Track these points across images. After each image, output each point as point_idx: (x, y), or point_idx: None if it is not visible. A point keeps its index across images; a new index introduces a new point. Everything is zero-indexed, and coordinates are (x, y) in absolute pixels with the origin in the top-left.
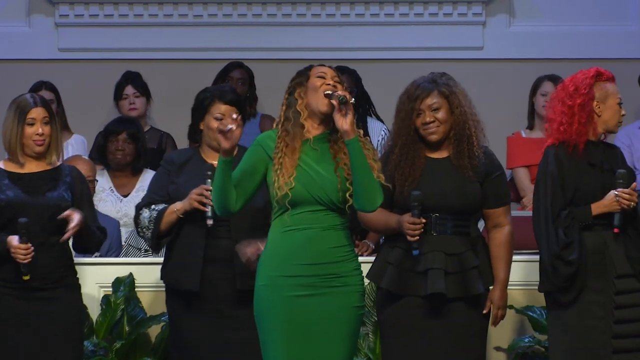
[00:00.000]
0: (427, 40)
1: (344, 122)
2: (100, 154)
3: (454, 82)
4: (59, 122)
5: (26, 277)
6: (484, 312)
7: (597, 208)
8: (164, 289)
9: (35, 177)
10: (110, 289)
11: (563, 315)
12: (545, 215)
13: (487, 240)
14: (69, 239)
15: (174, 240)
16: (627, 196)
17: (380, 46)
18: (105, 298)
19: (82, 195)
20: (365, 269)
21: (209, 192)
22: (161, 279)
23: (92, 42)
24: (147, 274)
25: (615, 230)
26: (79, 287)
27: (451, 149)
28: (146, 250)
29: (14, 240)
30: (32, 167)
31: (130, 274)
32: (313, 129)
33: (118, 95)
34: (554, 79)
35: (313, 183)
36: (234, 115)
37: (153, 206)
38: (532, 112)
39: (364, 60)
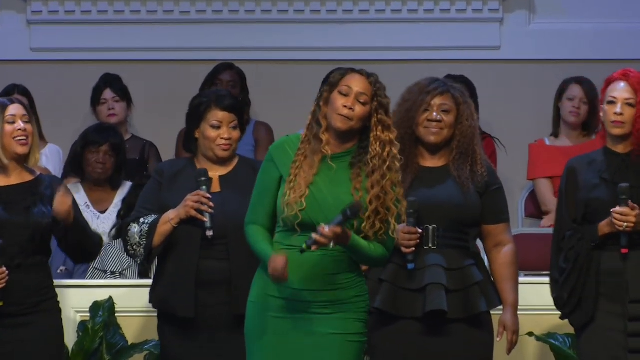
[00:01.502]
0: (438, 39)
1: (338, 240)
2: (76, 165)
3: (468, 95)
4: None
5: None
6: (497, 339)
7: (603, 227)
8: (146, 314)
9: (15, 191)
10: (88, 314)
11: (579, 341)
12: None
13: (488, 261)
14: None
15: (164, 259)
16: (618, 216)
17: (386, 46)
18: (82, 324)
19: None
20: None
21: (208, 199)
22: (150, 302)
23: (67, 41)
24: (128, 297)
25: (623, 250)
26: (59, 310)
27: (450, 158)
28: (113, 272)
29: None
30: (9, 179)
31: (110, 297)
32: (332, 145)
33: (96, 100)
34: (582, 82)
35: (317, 208)
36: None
37: (142, 219)
38: (557, 118)
39: (368, 61)
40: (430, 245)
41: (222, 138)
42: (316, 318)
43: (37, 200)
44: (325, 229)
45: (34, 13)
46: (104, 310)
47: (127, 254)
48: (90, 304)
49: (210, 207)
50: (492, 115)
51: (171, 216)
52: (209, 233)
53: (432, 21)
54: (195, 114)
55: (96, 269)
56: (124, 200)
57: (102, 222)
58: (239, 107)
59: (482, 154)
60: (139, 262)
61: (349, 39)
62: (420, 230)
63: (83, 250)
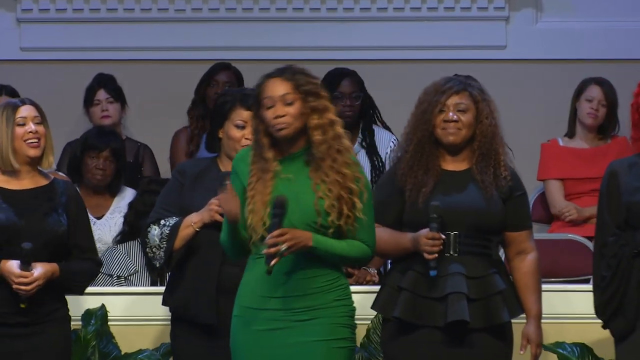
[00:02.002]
0: (442, 38)
1: (293, 246)
2: (74, 169)
3: (488, 93)
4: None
5: (23, 305)
6: (521, 351)
7: None
8: (141, 322)
9: (30, 196)
10: (80, 323)
11: (618, 351)
12: None
13: (510, 269)
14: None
15: (184, 264)
16: None
17: (389, 45)
18: (74, 333)
19: (78, 218)
20: (366, 299)
21: None
22: (164, 305)
23: (59, 40)
24: (122, 305)
25: None
26: (68, 319)
27: (473, 161)
28: (119, 277)
29: (13, 266)
30: (24, 182)
31: (103, 305)
32: (284, 151)
33: (89, 100)
34: (602, 83)
35: (293, 209)
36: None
37: (163, 221)
38: (573, 118)
39: (370, 61)
40: (451, 252)
41: (246, 138)
42: (297, 326)
43: (53, 207)
44: (267, 239)
45: (24, 11)
46: (96, 319)
47: (146, 257)
48: (82, 312)
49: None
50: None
51: (194, 220)
52: None
53: (435, 19)
54: (220, 113)
55: (102, 272)
56: (131, 205)
57: (98, 229)
58: None
59: (506, 155)
60: (157, 265)
61: (349, 38)
62: (443, 236)
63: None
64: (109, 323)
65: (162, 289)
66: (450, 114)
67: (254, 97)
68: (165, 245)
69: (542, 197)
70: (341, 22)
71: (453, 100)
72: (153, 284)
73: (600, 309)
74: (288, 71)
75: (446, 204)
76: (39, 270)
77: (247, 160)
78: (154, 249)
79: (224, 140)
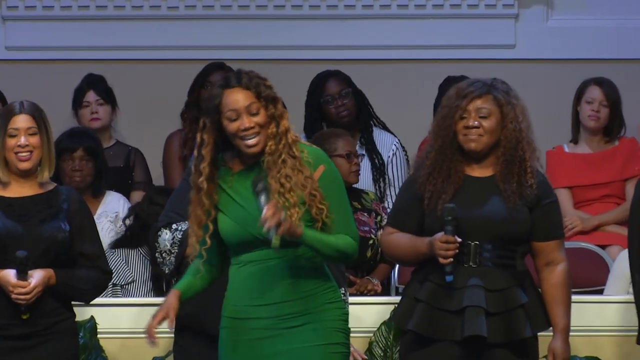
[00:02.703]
0: (448, 37)
1: (283, 231)
2: (53, 176)
3: (516, 95)
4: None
5: (25, 316)
6: None
7: None
8: (131, 335)
9: (28, 203)
10: None
11: None
12: None
13: (539, 281)
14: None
15: None
16: None
17: (392, 44)
18: None
19: (82, 226)
20: (368, 310)
21: None
22: None
23: (46, 39)
24: (112, 317)
25: None
26: (75, 332)
27: (497, 168)
28: (114, 285)
29: (9, 275)
30: (22, 190)
31: (92, 317)
32: (239, 163)
33: (77, 102)
34: (602, 83)
35: (247, 218)
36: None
37: (174, 226)
38: (576, 123)
39: (372, 61)
40: (471, 263)
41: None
42: (288, 333)
43: (53, 214)
44: (263, 214)
45: (10, 8)
46: (85, 331)
47: (155, 262)
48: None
49: None
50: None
51: None
52: None
53: (441, 17)
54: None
55: None
56: (133, 209)
57: None
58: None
59: (534, 162)
60: (167, 271)
61: (351, 37)
62: (459, 240)
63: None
64: (98, 336)
65: (158, 300)
66: (471, 120)
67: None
68: (176, 251)
69: None
70: (342, 20)
71: (475, 105)
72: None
73: None
74: (245, 77)
75: (466, 211)
76: (36, 277)
77: None
78: (164, 254)
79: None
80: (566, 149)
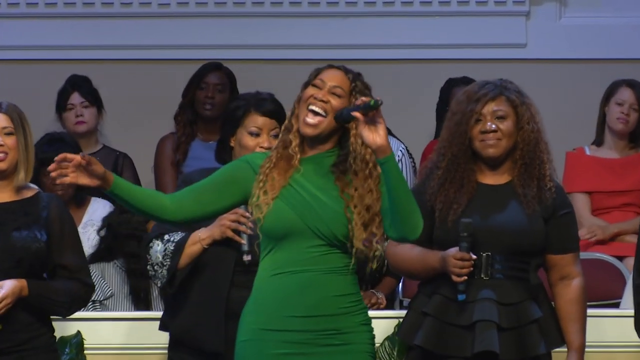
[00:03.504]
0: (455, 36)
1: (377, 136)
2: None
3: (526, 94)
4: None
5: None
6: None
7: None
8: (119, 351)
9: (3, 210)
10: None
11: None
12: None
13: (553, 296)
14: None
15: (189, 284)
16: None
17: (396, 43)
18: None
19: (63, 236)
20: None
21: (247, 218)
22: (162, 330)
23: (28, 37)
24: (99, 332)
25: None
26: (54, 349)
27: (515, 173)
28: (93, 301)
29: None
30: (4, 195)
31: (78, 332)
32: (308, 148)
33: (61, 105)
34: (634, 85)
35: (310, 210)
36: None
37: (167, 237)
38: (602, 124)
39: (375, 61)
40: (482, 275)
41: (261, 147)
42: (321, 352)
43: (30, 221)
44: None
45: None
46: (71, 347)
47: (147, 275)
48: (56, 340)
49: (249, 227)
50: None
51: (202, 235)
52: (247, 258)
53: (447, 15)
54: (232, 119)
55: None
56: (105, 219)
57: None
58: (282, 112)
59: (552, 165)
60: (159, 285)
61: (353, 35)
62: (474, 257)
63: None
64: (85, 352)
65: (148, 314)
66: (488, 123)
67: (270, 101)
68: (168, 263)
69: None
70: (343, 18)
71: (490, 108)
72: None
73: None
74: (353, 74)
75: (480, 221)
76: (5, 287)
77: (263, 158)
78: (155, 267)
79: (236, 150)
80: (587, 152)
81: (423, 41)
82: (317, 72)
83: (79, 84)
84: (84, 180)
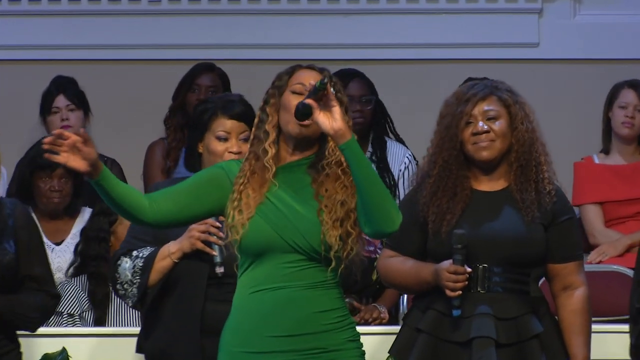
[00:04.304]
0: (464, 35)
1: (333, 121)
2: (24, 193)
3: (518, 93)
4: None
5: None
6: None
7: None
8: None
9: None
10: None
11: None
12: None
13: (556, 307)
14: None
15: (161, 301)
16: None
17: (401, 42)
18: None
19: (30, 245)
20: (374, 342)
21: (217, 229)
22: (138, 351)
23: (10, 37)
24: (86, 348)
25: None
26: None
27: (512, 178)
28: (70, 315)
29: None
30: None
31: (64, 349)
32: (287, 155)
33: (46, 108)
34: (637, 86)
35: (287, 224)
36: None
37: (135, 253)
38: (607, 130)
39: (378, 61)
40: (479, 288)
41: (230, 152)
42: None
43: None
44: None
45: None
46: None
47: (116, 294)
48: (40, 357)
49: (220, 237)
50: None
51: (172, 249)
52: (219, 270)
53: (455, 12)
54: (199, 124)
55: (62, 312)
56: (83, 232)
57: (57, 256)
58: (251, 115)
59: (550, 166)
60: (130, 304)
61: (355, 34)
62: (469, 270)
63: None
64: None
65: (131, 330)
66: (480, 124)
67: (239, 102)
68: (138, 281)
69: (578, 224)
70: (344, 16)
71: (480, 108)
72: (98, 323)
73: (633, 351)
74: (327, 72)
75: (475, 231)
76: None
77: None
78: (125, 285)
79: (205, 156)
80: (596, 160)
81: (429, 40)
82: (289, 75)
83: (65, 86)
84: (75, 163)
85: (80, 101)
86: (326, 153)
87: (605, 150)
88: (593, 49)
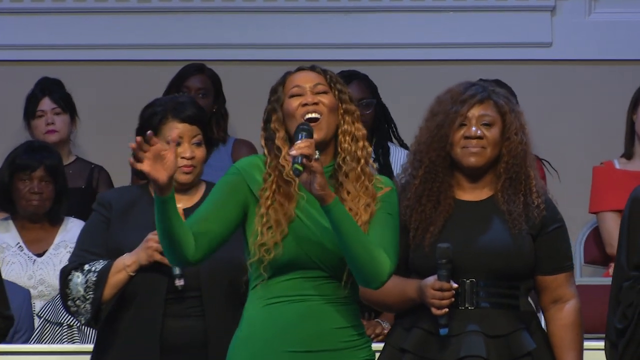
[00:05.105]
0: (471, 34)
1: (311, 188)
2: (4, 197)
3: (516, 100)
4: None
5: None
6: None
7: None
8: None
9: None
10: None
11: None
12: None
13: (545, 321)
14: None
15: (117, 317)
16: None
17: (406, 42)
18: None
19: None
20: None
21: None
22: None
23: None
24: None
25: None
26: None
27: (498, 188)
28: (70, 327)
29: None
30: None
31: None
32: None
33: (30, 112)
34: None
35: (314, 241)
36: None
37: (87, 267)
38: (631, 134)
39: (381, 62)
40: (466, 305)
41: (182, 158)
42: None
43: None
44: (296, 143)
45: None
46: None
47: (67, 311)
48: None
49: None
50: (541, 131)
51: (127, 262)
52: (179, 283)
53: (463, 10)
54: (147, 128)
55: (48, 321)
56: None
57: (38, 268)
58: (204, 117)
59: (539, 180)
60: (83, 321)
61: (357, 34)
62: (455, 285)
63: None
64: None
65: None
66: (473, 128)
67: (190, 105)
68: (91, 296)
69: (596, 234)
70: (345, 14)
71: (476, 112)
72: None
73: None
74: (320, 68)
75: (461, 244)
76: None
77: (261, 167)
78: (77, 302)
79: None
80: (617, 165)
81: (435, 40)
82: (282, 85)
83: (50, 88)
84: (158, 173)
85: (66, 104)
86: (339, 148)
87: (628, 155)
88: (609, 49)
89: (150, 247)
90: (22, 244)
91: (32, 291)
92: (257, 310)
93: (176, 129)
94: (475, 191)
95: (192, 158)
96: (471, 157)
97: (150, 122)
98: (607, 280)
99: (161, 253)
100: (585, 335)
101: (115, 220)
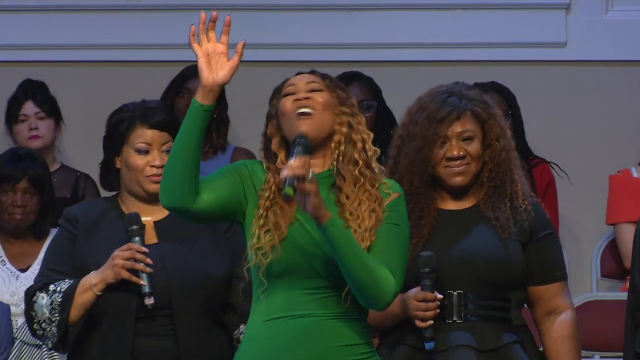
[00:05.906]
0: (481, 34)
1: (306, 206)
2: None
3: (487, 99)
4: None
5: None
6: None
7: None
8: None
9: None
10: None
11: None
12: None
13: (539, 334)
14: None
15: (85, 338)
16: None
17: (412, 42)
18: None
19: None
20: None
21: (144, 254)
22: None
23: None
24: None
25: None
26: None
27: (482, 195)
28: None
29: None
30: None
31: None
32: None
33: (12, 116)
34: None
35: (314, 247)
36: None
37: (52, 287)
38: None
39: (385, 63)
40: (454, 318)
41: (152, 166)
42: None
43: None
44: (289, 163)
45: None
46: None
47: (33, 335)
48: None
49: (147, 264)
50: (554, 134)
51: (94, 280)
52: (149, 301)
53: (473, 8)
54: (115, 136)
55: (25, 343)
56: None
57: (22, 284)
58: (175, 123)
59: (525, 183)
60: (50, 345)
61: (360, 32)
62: (439, 296)
63: None
64: None
65: None
66: (455, 151)
67: (159, 109)
68: (57, 318)
69: (613, 246)
70: (347, 12)
71: (455, 129)
72: None
73: None
74: (319, 72)
75: (446, 254)
76: None
77: (263, 170)
78: (43, 324)
79: (123, 172)
80: (634, 174)
81: (442, 40)
82: (280, 90)
83: (34, 91)
84: (222, 69)
85: (50, 108)
86: (332, 145)
87: None
88: (627, 50)
89: (116, 264)
90: (5, 258)
91: (14, 308)
92: (255, 328)
93: (145, 136)
94: (459, 200)
95: (162, 166)
96: (456, 177)
97: (117, 129)
98: (625, 295)
99: (129, 270)
100: (604, 354)
101: (82, 236)
